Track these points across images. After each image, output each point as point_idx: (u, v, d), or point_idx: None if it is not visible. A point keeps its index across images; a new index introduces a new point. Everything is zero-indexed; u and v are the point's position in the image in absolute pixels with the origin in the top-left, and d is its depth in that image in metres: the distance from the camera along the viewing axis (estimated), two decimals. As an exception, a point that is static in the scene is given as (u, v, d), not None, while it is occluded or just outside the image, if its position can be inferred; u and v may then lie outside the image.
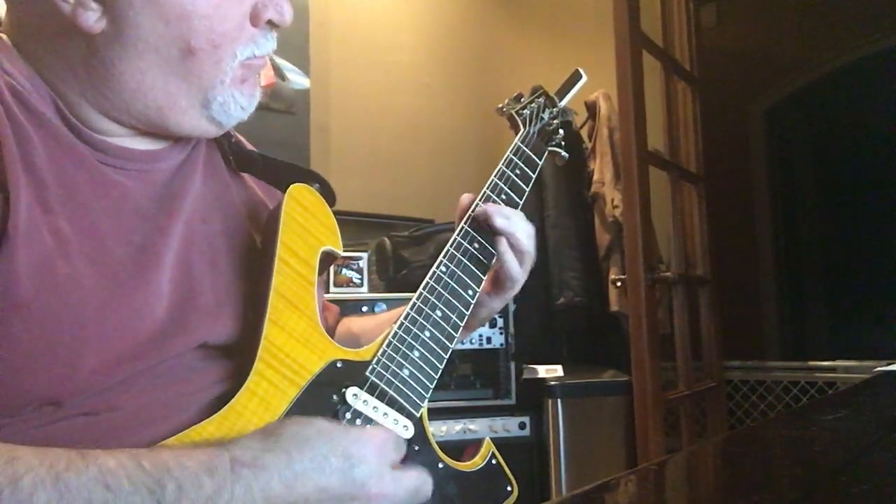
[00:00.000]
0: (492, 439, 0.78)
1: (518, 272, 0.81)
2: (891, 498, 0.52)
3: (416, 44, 2.93)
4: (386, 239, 2.32)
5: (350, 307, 2.00)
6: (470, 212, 0.82)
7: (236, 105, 0.68)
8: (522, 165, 0.88)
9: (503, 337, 2.12)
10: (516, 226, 0.80)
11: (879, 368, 1.49)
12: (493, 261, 0.81)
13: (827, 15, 3.13)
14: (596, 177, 2.59)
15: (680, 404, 2.28)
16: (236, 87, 0.67)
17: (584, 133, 2.72)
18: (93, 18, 0.60)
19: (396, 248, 2.29)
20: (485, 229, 0.81)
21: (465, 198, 0.83)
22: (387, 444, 0.61)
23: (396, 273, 2.27)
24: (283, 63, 2.44)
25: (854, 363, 2.41)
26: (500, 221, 0.78)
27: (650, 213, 2.14)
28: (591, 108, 2.68)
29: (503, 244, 0.79)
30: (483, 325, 0.89)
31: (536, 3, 3.30)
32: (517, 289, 0.84)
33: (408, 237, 2.32)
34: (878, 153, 3.43)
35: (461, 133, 3.00)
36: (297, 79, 2.49)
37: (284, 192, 0.73)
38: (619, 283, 2.45)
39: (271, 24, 0.68)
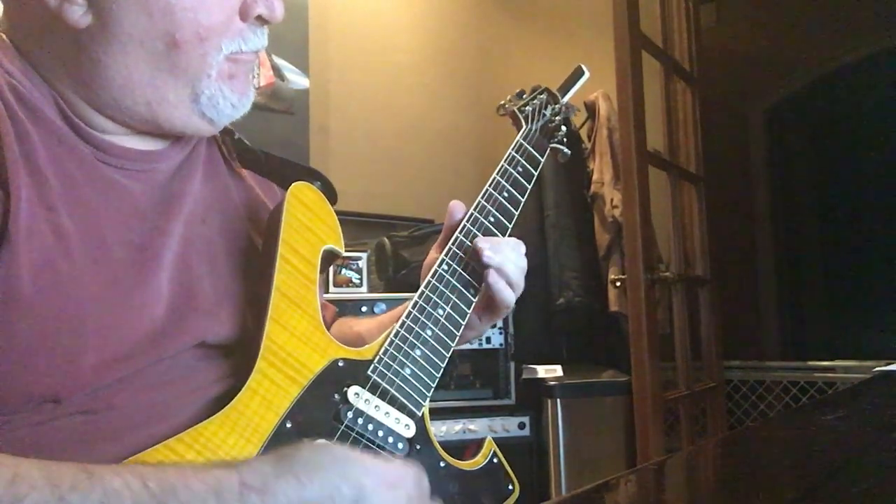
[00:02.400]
0: (492, 439, 0.78)
1: (511, 300, 0.81)
2: (891, 498, 0.52)
3: (416, 44, 2.93)
4: (386, 239, 2.32)
5: (350, 307, 2.00)
6: (472, 209, 0.82)
7: (225, 101, 0.67)
8: (524, 163, 0.88)
9: (503, 337, 2.12)
10: (506, 258, 0.79)
11: (879, 368, 1.49)
12: None
13: (827, 15, 3.13)
14: (595, 177, 2.59)
15: (680, 404, 2.28)
16: (224, 82, 0.67)
17: (583, 133, 2.72)
18: (78, 13, 0.60)
19: (396, 248, 2.29)
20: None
21: (457, 206, 0.83)
22: (403, 479, 0.58)
23: (396, 273, 2.27)
24: (282, 63, 2.44)
25: (854, 363, 2.41)
26: (488, 256, 0.78)
27: (650, 213, 2.14)
28: (591, 109, 2.68)
29: (493, 275, 0.78)
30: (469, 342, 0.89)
31: (537, 2, 3.30)
32: (508, 312, 0.83)
33: (408, 237, 2.32)
34: (878, 153, 3.43)
35: (461, 133, 2.99)
36: (297, 79, 2.49)
37: (286, 189, 0.73)
38: (619, 283, 2.45)
39: (261, 19, 0.68)
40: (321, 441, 0.62)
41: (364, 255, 2.21)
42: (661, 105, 2.38)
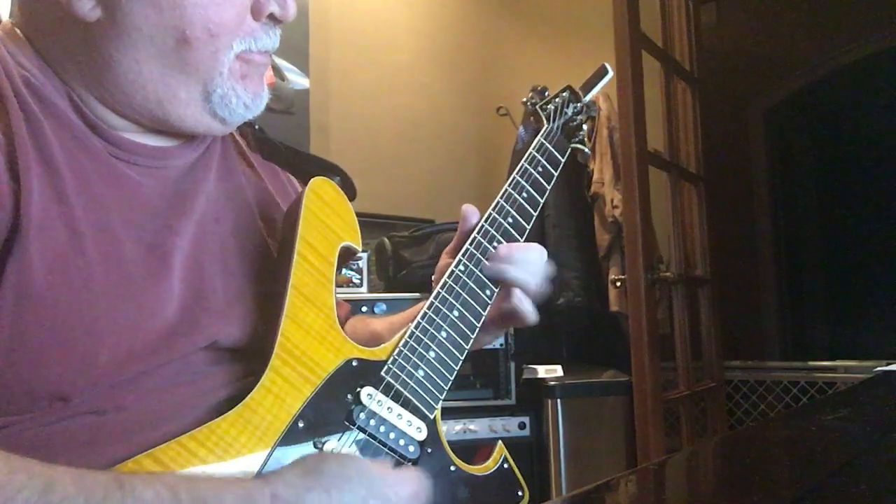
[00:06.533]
0: (502, 444, 0.78)
1: (533, 316, 0.80)
2: (891, 498, 0.52)
3: (416, 44, 2.93)
4: (386, 239, 2.32)
5: (350, 307, 2.00)
6: (491, 210, 0.81)
7: (238, 100, 0.67)
8: (545, 163, 0.87)
9: (503, 337, 2.12)
10: (530, 272, 0.78)
11: (879, 368, 1.49)
12: None
13: (827, 15, 3.13)
14: (596, 177, 2.59)
15: (680, 404, 2.28)
16: (237, 82, 0.66)
17: (584, 134, 2.71)
18: (87, 6, 0.59)
19: (396, 248, 2.29)
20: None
21: (470, 210, 0.83)
22: (420, 493, 0.60)
23: (396, 273, 2.27)
24: (282, 63, 2.44)
25: (854, 363, 2.41)
26: (512, 273, 0.77)
27: (650, 213, 2.14)
28: (591, 109, 2.68)
29: (517, 294, 0.78)
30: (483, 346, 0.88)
31: (537, 3, 3.30)
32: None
33: (408, 237, 2.32)
34: (878, 153, 3.43)
35: (461, 133, 2.99)
36: (297, 79, 2.49)
37: (304, 183, 0.72)
38: (619, 283, 2.45)
39: (273, 18, 0.67)
40: (346, 452, 0.62)
41: (364, 255, 2.21)
42: (661, 105, 2.38)
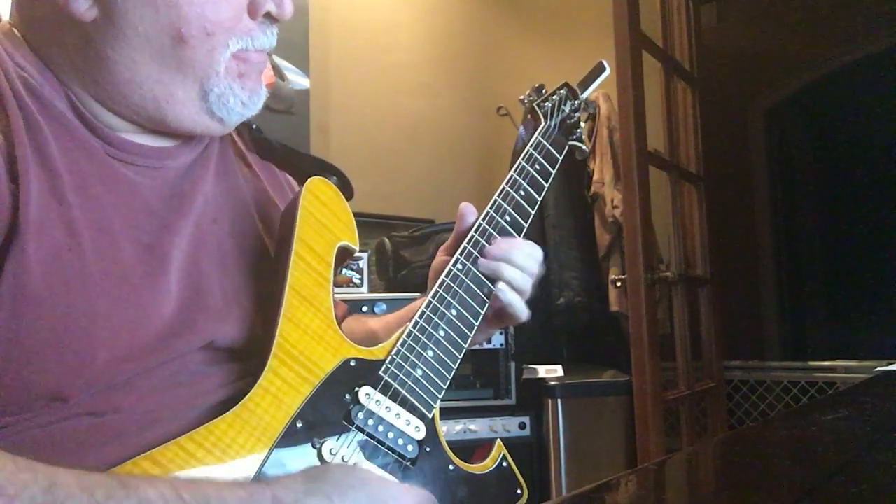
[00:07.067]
0: (501, 442, 0.78)
1: (524, 312, 0.80)
2: (891, 498, 0.52)
3: (416, 44, 2.93)
4: (386, 239, 2.32)
5: (350, 307, 2.00)
6: (489, 208, 0.81)
7: (235, 99, 0.67)
8: (542, 160, 0.87)
9: (503, 337, 2.12)
10: (516, 268, 0.79)
11: (879, 368, 1.49)
12: None
13: (827, 15, 3.12)
14: (596, 177, 2.59)
15: (680, 404, 2.28)
16: (234, 80, 0.66)
17: (584, 133, 2.71)
18: (84, 6, 0.60)
19: (396, 248, 2.29)
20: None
21: (468, 209, 0.83)
22: (424, 503, 0.61)
23: (396, 273, 2.27)
24: (282, 63, 2.44)
25: (854, 363, 2.41)
26: (507, 271, 0.78)
27: (650, 213, 2.14)
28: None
29: (510, 292, 0.78)
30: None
31: (537, 3, 3.30)
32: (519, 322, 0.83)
33: (408, 237, 2.32)
34: (878, 153, 3.43)
35: (461, 133, 2.99)
36: (297, 79, 2.49)
37: (301, 183, 0.72)
38: (619, 283, 2.45)
39: (270, 17, 0.67)
40: (350, 462, 0.62)
41: (364, 255, 2.21)
42: (661, 105, 2.38)
